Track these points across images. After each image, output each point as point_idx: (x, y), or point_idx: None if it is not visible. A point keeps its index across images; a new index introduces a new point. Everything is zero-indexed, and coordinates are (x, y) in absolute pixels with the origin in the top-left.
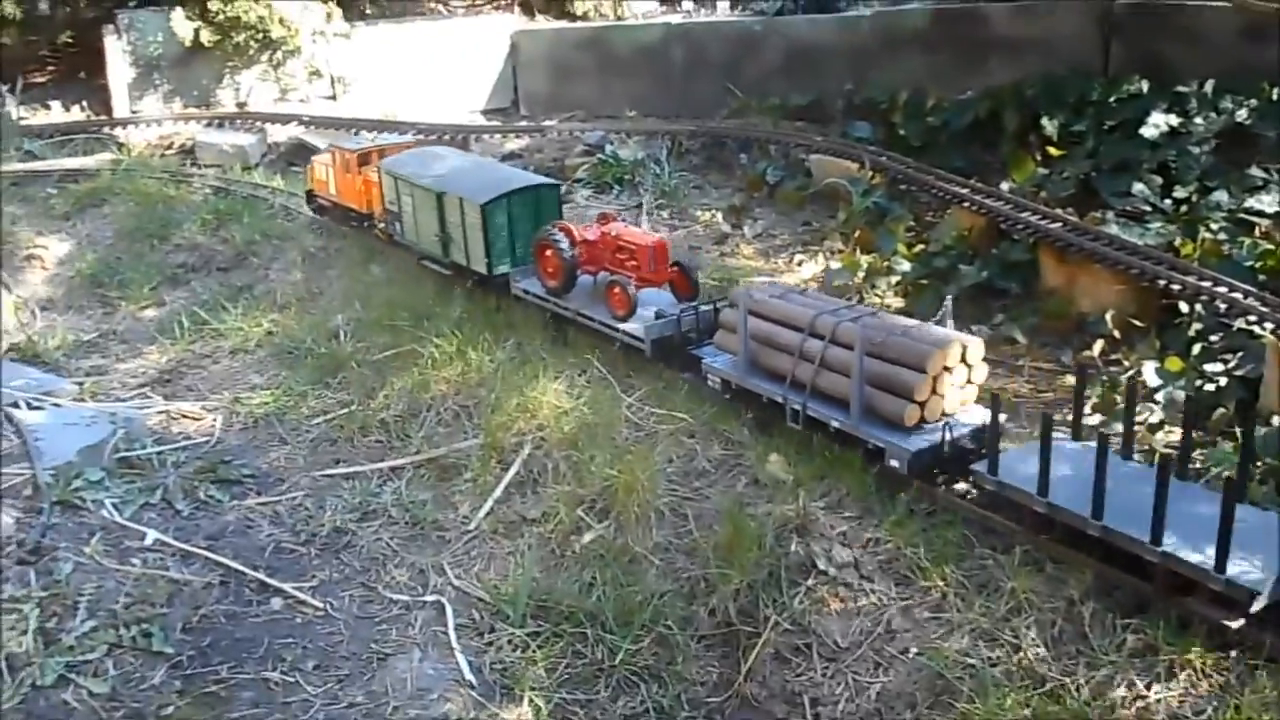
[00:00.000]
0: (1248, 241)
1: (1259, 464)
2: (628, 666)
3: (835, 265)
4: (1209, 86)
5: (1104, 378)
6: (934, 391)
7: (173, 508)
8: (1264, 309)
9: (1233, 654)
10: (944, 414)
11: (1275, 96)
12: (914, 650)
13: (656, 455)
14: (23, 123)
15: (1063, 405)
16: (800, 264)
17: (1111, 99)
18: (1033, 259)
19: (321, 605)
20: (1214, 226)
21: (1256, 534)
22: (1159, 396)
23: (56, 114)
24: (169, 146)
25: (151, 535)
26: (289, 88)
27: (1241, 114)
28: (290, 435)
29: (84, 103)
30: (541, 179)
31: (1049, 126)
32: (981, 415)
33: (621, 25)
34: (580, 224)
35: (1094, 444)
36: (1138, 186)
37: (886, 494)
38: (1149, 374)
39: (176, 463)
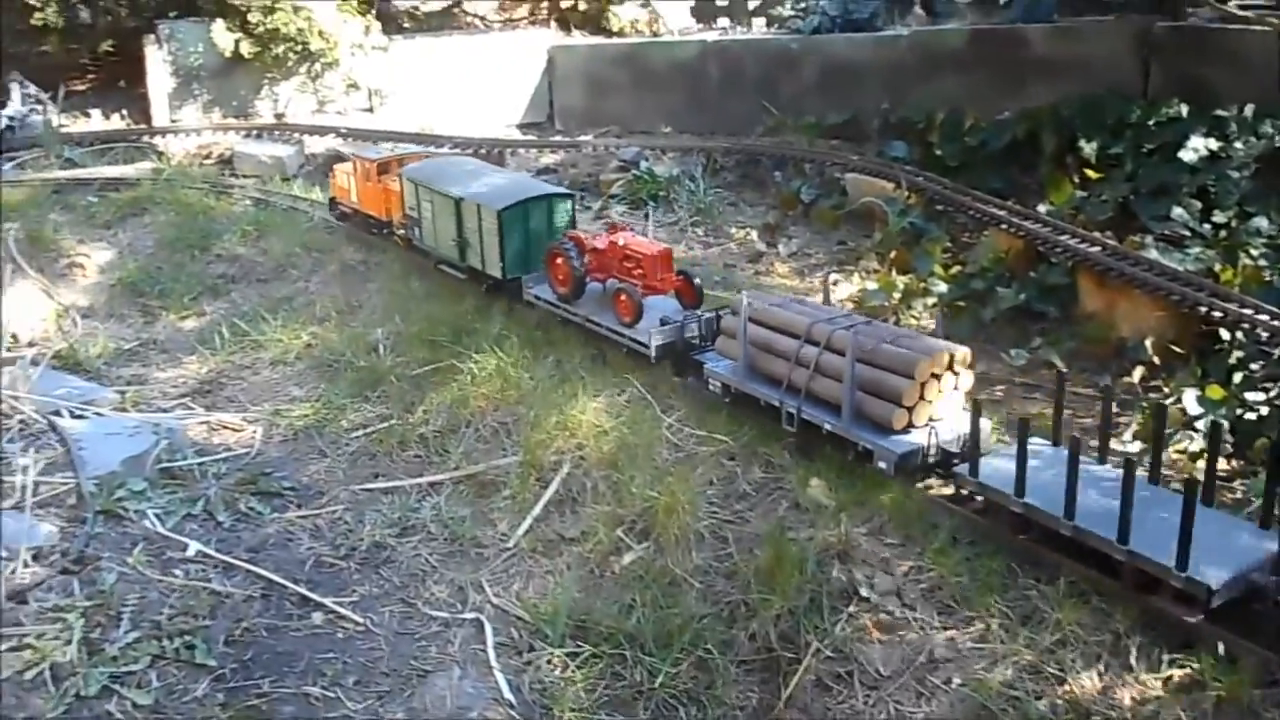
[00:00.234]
0: None
1: None
2: (667, 689)
3: (871, 286)
4: (1249, 110)
5: (1143, 404)
6: (922, 397)
7: (214, 519)
8: None
9: None
10: (931, 419)
11: None
12: (957, 681)
13: (697, 477)
14: (63, 130)
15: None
16: (836, 284)
17: (1150, 122)
18: (1071, 282)
19: (362, 620)
20: (1254, 253)
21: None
22: (1199, 424)
23: (96, 122)
24: (207, 156)
25: (194, 547)
26: (326, 100)
27: None
28: (330, 448)
29: (124, 111)
30: (556, 188)
31: (1087, 149)
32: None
33: (658, 41)
34: (590, 233)
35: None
36: (1177, 211)
37: (929, 523)
38: (1189, 402)
39: (218, 474)
